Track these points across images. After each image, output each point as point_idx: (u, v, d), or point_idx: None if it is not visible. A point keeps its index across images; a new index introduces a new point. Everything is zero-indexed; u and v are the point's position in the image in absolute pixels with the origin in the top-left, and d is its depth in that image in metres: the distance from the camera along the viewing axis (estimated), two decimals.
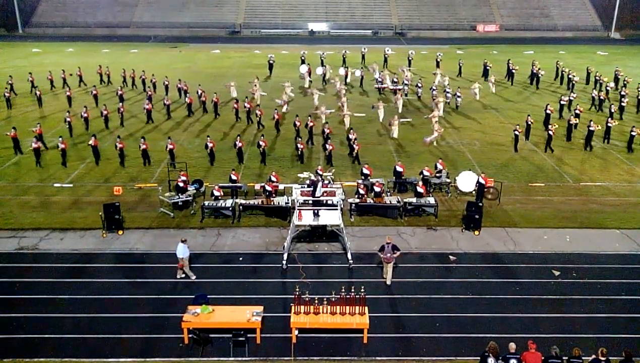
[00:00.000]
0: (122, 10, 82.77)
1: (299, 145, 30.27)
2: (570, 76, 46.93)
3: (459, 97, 41.06)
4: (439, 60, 53.14)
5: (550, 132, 32.11)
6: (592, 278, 19.86)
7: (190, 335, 16.17)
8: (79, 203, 25.45)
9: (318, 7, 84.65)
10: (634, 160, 31.10)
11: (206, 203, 24.06)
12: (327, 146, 29.75)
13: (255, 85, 42.31)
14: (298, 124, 33.09)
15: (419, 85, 43.88)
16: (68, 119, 34.29)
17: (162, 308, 17.97)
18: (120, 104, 37.93)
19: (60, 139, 29.77)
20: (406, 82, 44.49)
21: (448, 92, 41.93)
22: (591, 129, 32.23)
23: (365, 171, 26.33)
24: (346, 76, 47.95)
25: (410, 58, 54.70)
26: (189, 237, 21.03)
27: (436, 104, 38.45)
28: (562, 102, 39.31)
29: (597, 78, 46.57)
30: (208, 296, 17.60)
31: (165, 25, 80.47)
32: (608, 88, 44.71)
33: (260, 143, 29.86)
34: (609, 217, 24.45)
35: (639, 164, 30.70)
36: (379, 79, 45.79)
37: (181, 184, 24.62)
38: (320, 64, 52.05)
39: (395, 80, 45.42)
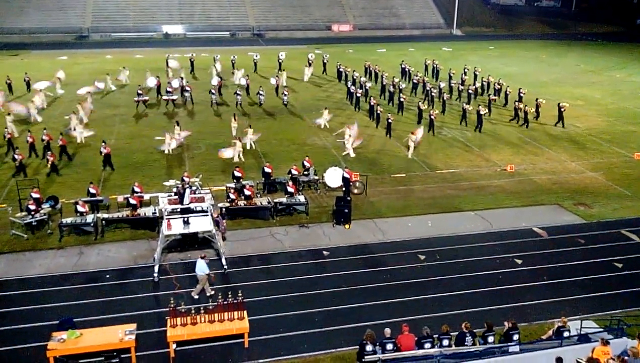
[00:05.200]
0: None
1: (16, 156, 27.47)
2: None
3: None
4: (280, 60, 53.47)
5: (432, 117, 35.29)
6: (453, 258, 21.33)
7: None
8: None
9: (171, 8, 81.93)
10: (482, 147, 33.89)
11: (64, 220, 22.35)
12: (49, 158, 28.20)
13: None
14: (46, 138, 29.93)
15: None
16: None
17: (25, 339, 16.43)
18: None
19: None
20: (261, 92, 42.75)
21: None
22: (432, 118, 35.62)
23: (237, 174, 26.04)
24: (159, 86, 43.61)
25: (280, 60, 53.89)
26: (47, 259, 19.39)
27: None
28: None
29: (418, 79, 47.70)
30: (75, 319, 16.38)
31: (1, 31, 73.57)
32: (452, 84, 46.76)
33: (102, 150, 28.82)
34: (463, 201, 26.43)
35: (485, 150, 33.53)
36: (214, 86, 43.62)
37: (32, 204, 22.58)
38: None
39: (187, 88, 42.71)
